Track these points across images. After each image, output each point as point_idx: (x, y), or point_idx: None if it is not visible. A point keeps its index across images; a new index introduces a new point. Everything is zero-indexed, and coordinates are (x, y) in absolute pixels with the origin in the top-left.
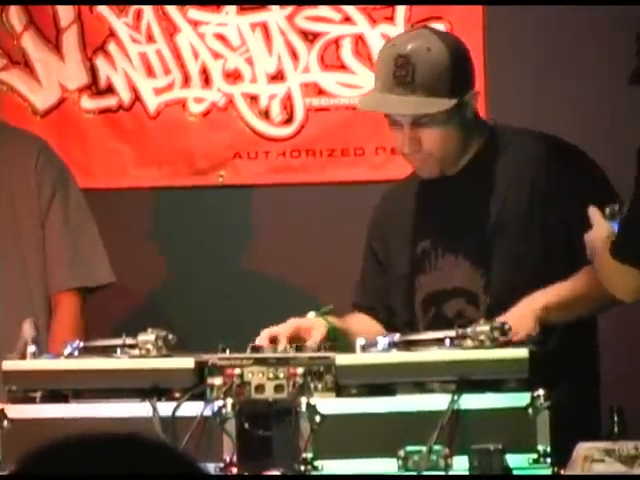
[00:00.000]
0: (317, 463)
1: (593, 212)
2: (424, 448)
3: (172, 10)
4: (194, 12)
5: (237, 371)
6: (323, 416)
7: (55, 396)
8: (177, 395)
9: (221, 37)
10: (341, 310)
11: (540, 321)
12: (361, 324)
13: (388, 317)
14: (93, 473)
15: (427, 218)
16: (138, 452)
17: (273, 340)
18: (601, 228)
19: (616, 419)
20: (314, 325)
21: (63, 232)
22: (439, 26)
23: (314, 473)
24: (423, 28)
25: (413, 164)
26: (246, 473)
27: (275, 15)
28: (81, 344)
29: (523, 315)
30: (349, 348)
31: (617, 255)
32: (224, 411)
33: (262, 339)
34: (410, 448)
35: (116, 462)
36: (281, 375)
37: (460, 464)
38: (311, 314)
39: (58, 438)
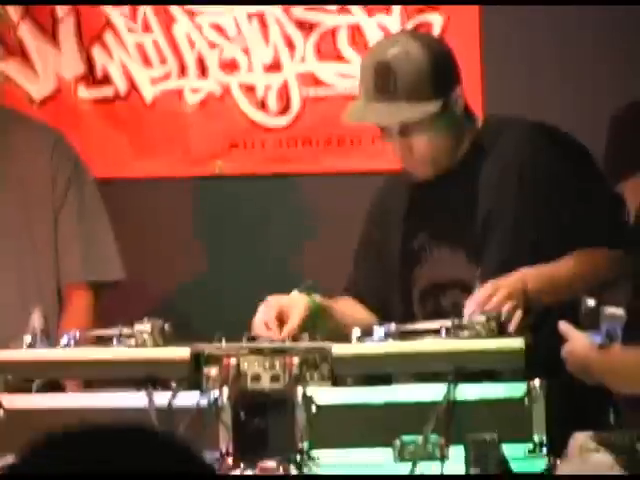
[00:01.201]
0: (313, 453)
1: (565, 327)
2: (420, 438)
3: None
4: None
5: (233, 361)
6: (319, 406)
7: (51, 386)
8: (173, 385)
9: (217, 27)
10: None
11: (531, 301)
12: (349, 308)
13: (378, 304)
14: (97, 464)
15: (422, 212)
16: (142, 443)
17: (268, 327)
18: (578, 340)
19: (612, 409)
20: (294, 302)
21: (77, 225)
22: (435, 17)
23: (310, 463)
24: (401, 32)
25: (407, 167)
26: (242, 463)
27: (271, 5)
28: (77, 334)
29: (502, 280)
30: (335, 330)
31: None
32: (220, 401)
33: (259, 329)
34: (406, 438)
35: (120, 453)
36: (277, 365)
37: (456, 454)
38: (294, 291)
39: (62, 428)
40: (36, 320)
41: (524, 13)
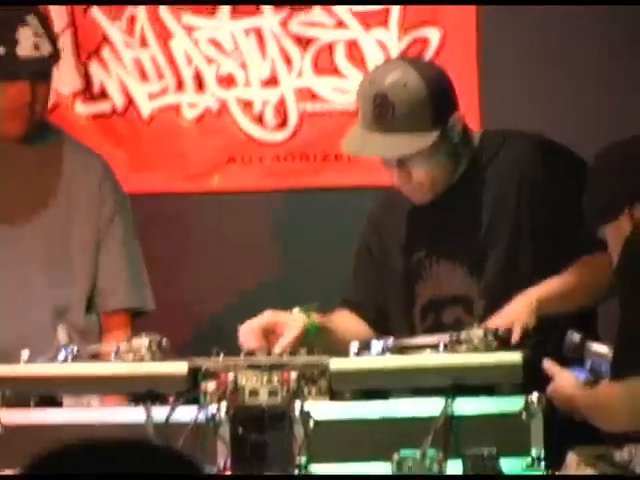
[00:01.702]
0: (311, 468)
1: (549, 365)
2: (418, 452)
3: (166, 15)
4: (188, 17)
5: (231, 376)
6: (317, 421)
7: (49, 401)
8: (171, 400)
9: (215, 42)
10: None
11: (536, 313)
12: (346, 322)
13: (377, 317)
14: (98, 477)
15: (422, 228)
16: (145, 457)
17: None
18: (563, 378)
19: None
20: (290, 322)
21: (122, 253)
22: (433, 32)
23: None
24: (399, 59)
25: (405, 193)
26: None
27: (269, 20)
28: (75, 349)
29: (518, 310)
30: (330, 345)
31: (619, 375)
32: (218, 416)
33: (243, 335)
34: (404, 452)
35: (123, 467)
36: (275, 380)
37: (454, 469)
38: (296, 310)
39: (62, 443)
40: (61, 336)
41: (522, 26)
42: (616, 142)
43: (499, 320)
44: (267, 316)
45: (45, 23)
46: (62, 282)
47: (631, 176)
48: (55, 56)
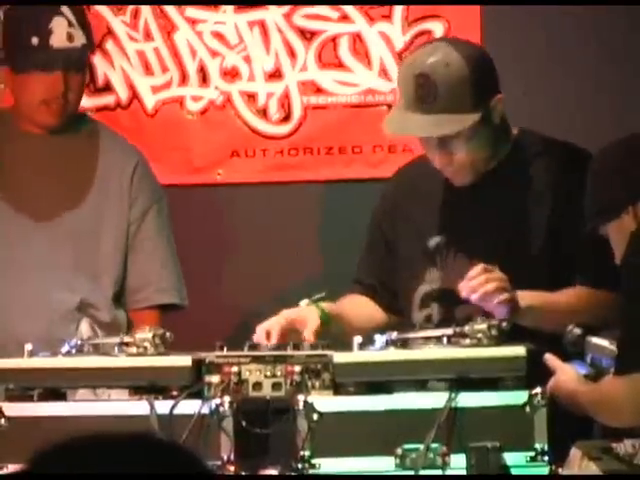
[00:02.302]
0: (315, 461)
1: (551, 359)
2: (422, 446)
3: (170, 8)
4: (192, 10)
5: (235, 369)
6: (320, 414)
7: (53, 394)
8: (175, 393)
9: (219, 35)
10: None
11: (517, 316)
12: (356, 308)
13: (389, 298)
14: (105, 472)
15: (444, 213)
16: (150, 452)
17: (269, 335)
18: (565, 373)
19: None
20: (307, 315)
21: (154, 248)
22: (437, 25)
23: (312, 471)
24: (440, 41)
25: (446, 174)
26: (243, 471)
27: (273, 13)
28: (79, 342)
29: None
30: (343, 334)
31: (623, 370)
32: (222, 409)
33: (258, 336)
34: (408, 446)
35: (128, 461)
36: (279, 373)
37: (458, 462)
38: (303, 302)
39: (67, 437)
40: (84, 330)
41: (526, 21)
42: (617, 140)
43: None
44: (284, 315)
45: (79, 14)
46: (90, 276)
47: (633, 174)
48: (89, 46)
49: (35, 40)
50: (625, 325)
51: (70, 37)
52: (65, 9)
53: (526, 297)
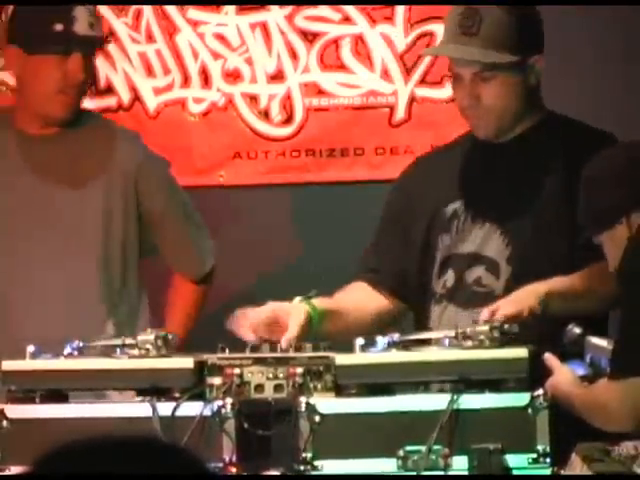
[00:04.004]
0: (316, 463)
1: (550, 359)
2: (424, 448)
3: (172, 10)
4: (194, 12)
5: (237, 371)
6: (322, 416)
7: (55, 396)
8: (176, 395)
9: (221, 37)
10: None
11: (542, 305)
12: (357, 301)
13: (393, 283)
14: (108, 475)
15: (462, 180)
16: (152, 454)
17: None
18: (562, 373)
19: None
20: (292, 311)
21: (186, 225)
22: (439, 27)
23: (314, 473)
24: None
25: (470, 121)
26: (245, 473)
27: (275, 15)
28: (81, 344)
29: (525, 297)
30: (342, 328)
31: (618, 374)
32: (223, 411)
33: (242, 327)
34: (409, 448)
35: (130, 464)
36: (280, 375)
37: (460, 464)
38: (296, 299)
39: (70, 440)
40: (110, 329)
41: None
42: (611, 149)
43: (507, 305)
44: (268, 307)
45: (95, 9)
46: (107, 262)
47: (628, 184)
48: (105, 39)
49: (59, 26)
50: (621, 328)
51: (92, 26)
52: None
53: (542, 286)
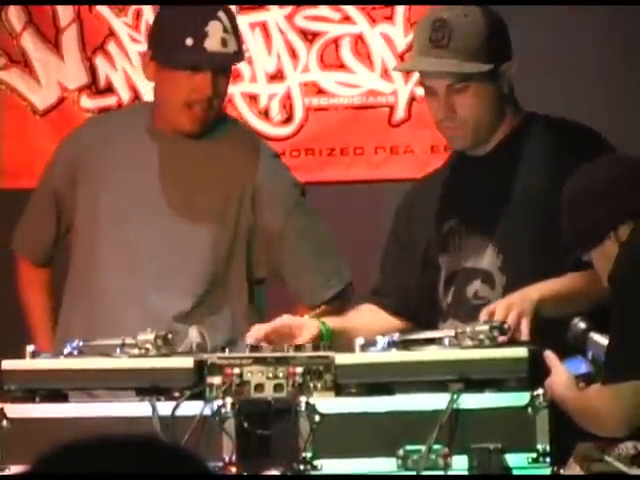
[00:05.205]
0: (316, 462)
1: (550, 357)
2: (423, 447)
3: None
4: None
5: (236, 370)
6: (322, 415)
7: (54, 396)
8: (176, 394)
9: None
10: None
11: (535, 311)
12: (367, 320)
13: (400, 305)
14: (108, 474)
15: (456, 198)
16: (151, 453)
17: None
18: (558, 374)
19: None
20: (306, 324)
21: (301, 252)
22: None
23: (313, 472)
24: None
25: (446, 134)
26: (245, 472)
27: (274, 15)
28: (80, 343)
29: (517, 302)
30: (349, 348)
31: (611, 379)
32: (223, 410)
33: (250, 335)
34: (409, 447)
35: (130, 463)
36: (280, 374)
37: (459, 463)
38: (306, 317)
39: (70, 439)
40: (194, 335)
41: (527, 21)
42: (591, 164)
43: (500, 309)
44: (284, 318)
45: (233, 20)
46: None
47: (612, 199)
48: (239, 55)
49: (190, 41)
50: (613, 334)
51: (224, 42)
52: (221, 14)
53: (534, 290)
